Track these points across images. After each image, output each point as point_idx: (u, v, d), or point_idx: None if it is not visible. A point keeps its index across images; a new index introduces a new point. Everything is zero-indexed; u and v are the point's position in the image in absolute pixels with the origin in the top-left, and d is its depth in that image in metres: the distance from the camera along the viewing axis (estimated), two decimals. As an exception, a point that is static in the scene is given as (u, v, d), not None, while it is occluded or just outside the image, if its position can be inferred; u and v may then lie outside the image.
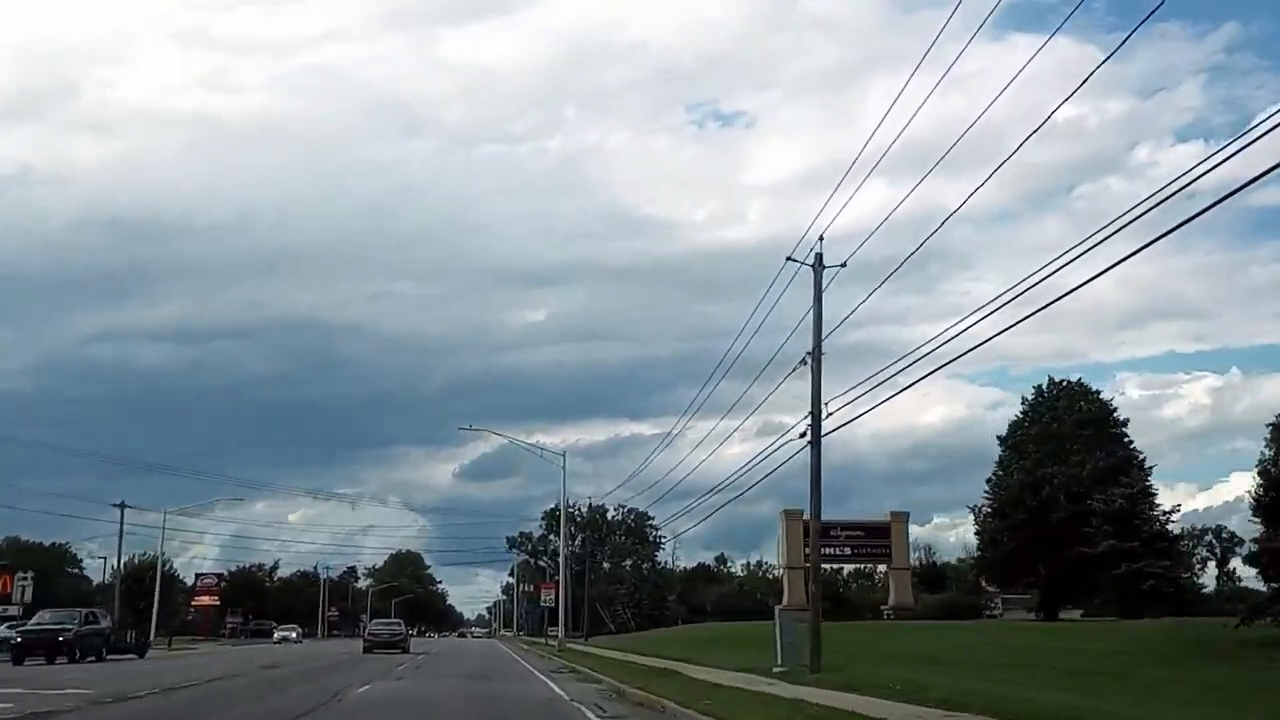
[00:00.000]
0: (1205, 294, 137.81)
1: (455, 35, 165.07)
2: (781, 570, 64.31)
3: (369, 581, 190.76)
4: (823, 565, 79.60)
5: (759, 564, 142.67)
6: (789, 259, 26.38)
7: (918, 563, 68.55)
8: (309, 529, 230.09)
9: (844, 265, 25.74)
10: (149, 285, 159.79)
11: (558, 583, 75.87)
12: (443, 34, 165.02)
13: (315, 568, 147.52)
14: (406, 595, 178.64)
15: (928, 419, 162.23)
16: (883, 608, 63.34)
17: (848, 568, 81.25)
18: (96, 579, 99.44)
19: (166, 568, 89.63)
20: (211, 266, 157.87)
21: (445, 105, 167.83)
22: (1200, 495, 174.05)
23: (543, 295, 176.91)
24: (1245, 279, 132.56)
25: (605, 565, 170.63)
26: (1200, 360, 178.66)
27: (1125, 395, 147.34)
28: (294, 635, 70.89)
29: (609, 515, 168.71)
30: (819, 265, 26.03)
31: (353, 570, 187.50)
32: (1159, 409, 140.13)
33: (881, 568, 67.78)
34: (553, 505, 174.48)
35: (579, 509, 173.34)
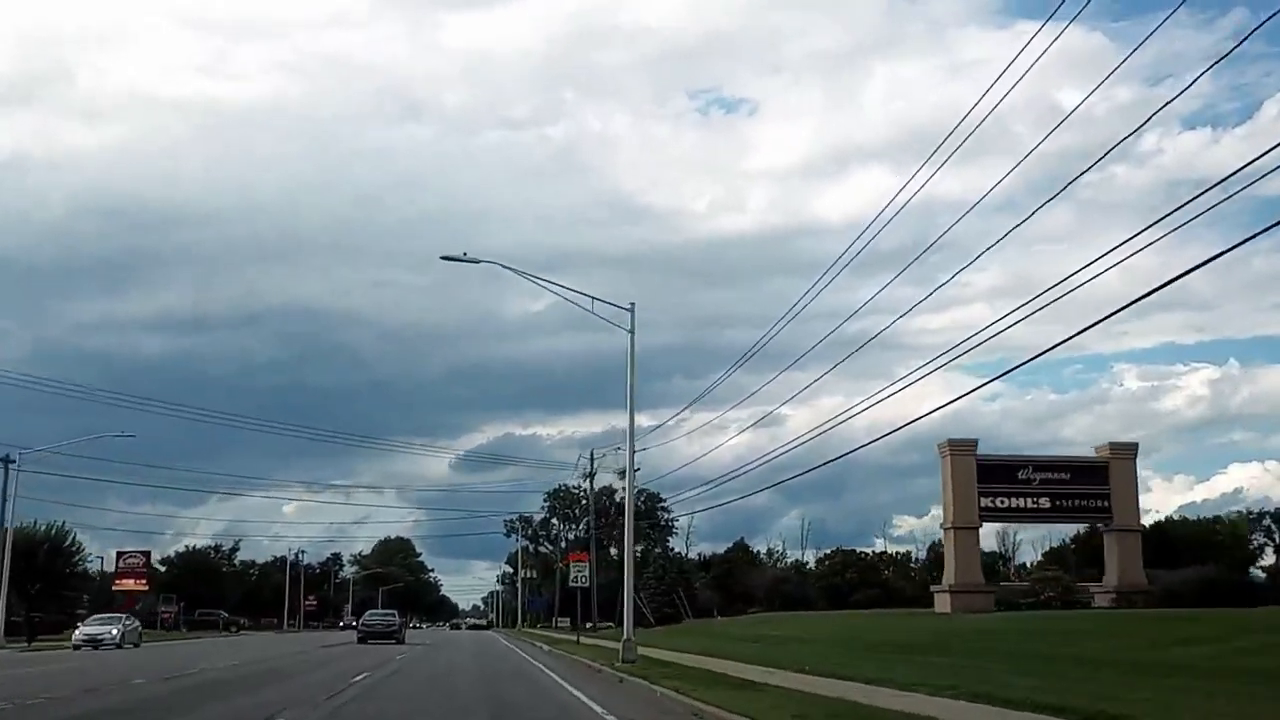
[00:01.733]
0: (1207, 285, 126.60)
1: (455, 19, 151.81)
2: (945, 530, 40.86)
3: (355, 568, 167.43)
4: (1006, 522, 55.75)
5: (769, 551, 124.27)
6: None
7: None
8: (303, 519, 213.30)
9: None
10: (146, 273, 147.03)
11: (589, 550, 52.92)
12: (443, 18, 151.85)
13: (291, 551, 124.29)
14: (395, 584, 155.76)
15: (925, 409, 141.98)
16: (1092, 588, 40.46)
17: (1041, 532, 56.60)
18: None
19: (68, 541, 66.57)
20: (209, 254, 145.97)
21: (445, 90, 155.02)
22: (1198, 487, 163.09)
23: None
24: (1247, 270, 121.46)
25: (613, 550, 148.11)
26: (1199, 352, 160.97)
27: (1123, 386, 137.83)
28: (112, 633, 43.81)
29: (616, 497, 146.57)
30: None
31: (337, 557, 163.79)
32: (1157, 400, 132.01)
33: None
34: (557, 485, 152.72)
35: (583, 490, 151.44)
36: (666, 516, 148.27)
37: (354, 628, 62.94)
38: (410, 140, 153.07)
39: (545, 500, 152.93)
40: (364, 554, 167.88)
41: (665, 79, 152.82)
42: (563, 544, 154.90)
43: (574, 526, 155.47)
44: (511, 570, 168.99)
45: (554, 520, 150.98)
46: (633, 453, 29.47)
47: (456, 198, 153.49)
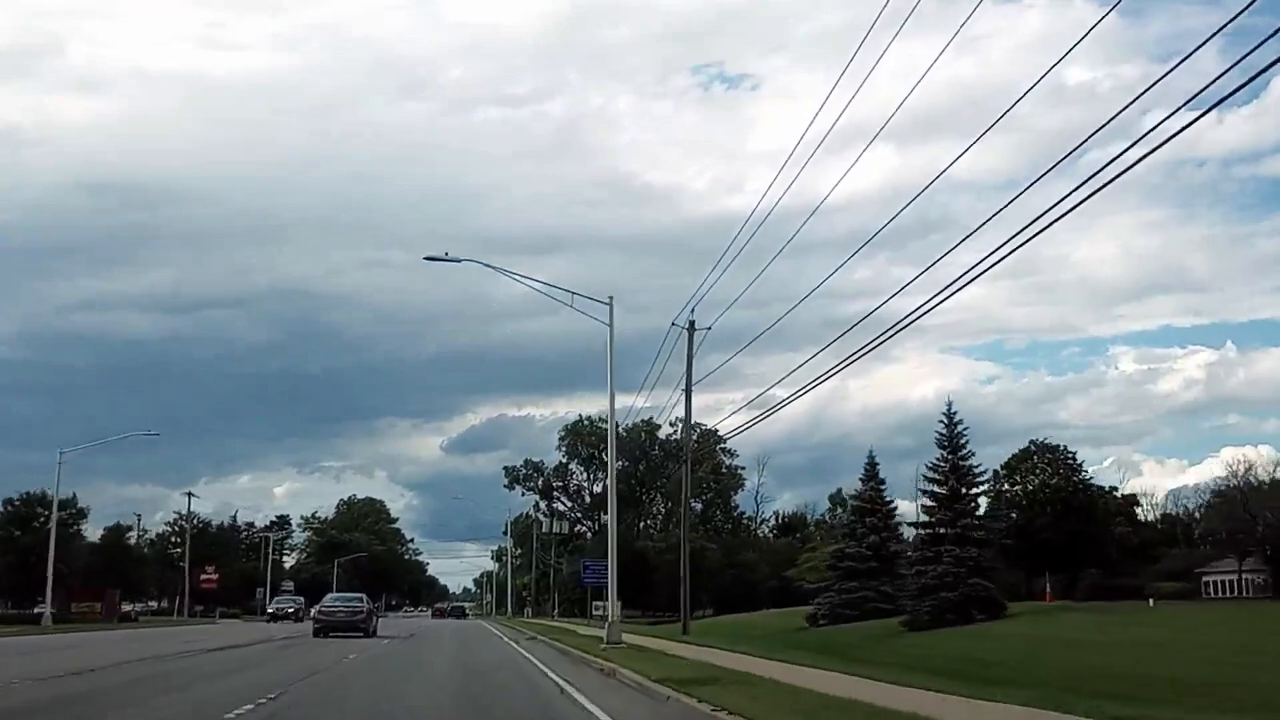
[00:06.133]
0: (1208, 267, 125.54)
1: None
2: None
3: (307, 536, 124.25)
4: None
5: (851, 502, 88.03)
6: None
7: None
8: (292, 501, 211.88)
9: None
10: (137, 251, 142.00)
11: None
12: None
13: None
14: (359, 554, 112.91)
15: (920, 393, 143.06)
16: None
17: None
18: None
19: None
20: (201, 232, 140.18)
21: (445, 66, 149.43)
22: (1190, 470, 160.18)
23: (539, 264, 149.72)
24: (1249, 251, 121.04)
25: (660, 509, 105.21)
26: (1196, 334, 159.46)
27: (1119, 370, 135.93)
28: None
29: (661, 435, 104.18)
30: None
31: (284, 519, 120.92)
32: (1153, 383, 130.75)
33: None
34: (578, 416, 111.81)
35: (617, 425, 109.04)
36: (730, 463, 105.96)
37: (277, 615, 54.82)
38: (407, 116, 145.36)
39: (562, 438, 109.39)
40: (319, 516, 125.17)
41: (668, 56, 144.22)
42: (586, 498, 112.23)
43: (603, 475, 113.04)
44: (509, 541, 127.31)
45: (573, 466, 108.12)
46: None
47: (453, 176, 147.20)
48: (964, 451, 30.43)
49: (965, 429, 30.60)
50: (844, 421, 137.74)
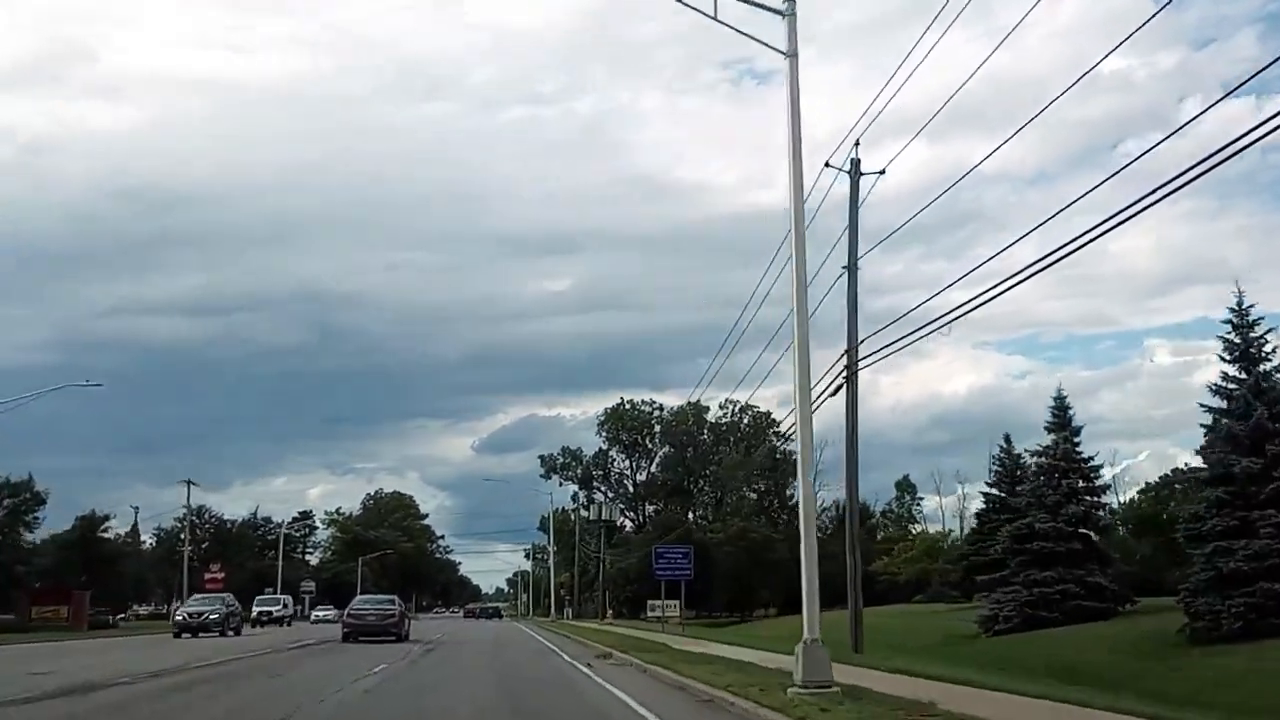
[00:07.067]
0: (1244, 257, 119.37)
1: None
2: None
3: (330, 533, 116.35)
4: None
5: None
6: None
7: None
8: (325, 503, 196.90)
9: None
10: (164, 256, 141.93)
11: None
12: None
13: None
14: (386, 551, 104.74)
15: (952, 388, 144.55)
16: None
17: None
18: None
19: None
20: (227, 236, 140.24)
21: (470, 66, 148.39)
22: None
23: (565, 263, 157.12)
24: None
25: (709, 498, 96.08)
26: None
27: (1154, 362, 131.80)
28: None
29: (710, 418, 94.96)
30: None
31: (306, 515, 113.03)
32: (1189, 376, 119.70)
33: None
34: (619, 400, 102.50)
35: (659, 407, 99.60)
36: (784, 448, 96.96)
37: (190, 626, 37.24)
38: (432, 116, 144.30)
39: (602, 423, 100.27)
40: (343, 512, 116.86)
41: (696, 51, 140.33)
42: (629, 487, 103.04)
43: (646, 463, 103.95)
44: (544, 538, 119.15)
45: (614, 454, 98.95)
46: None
47: (479, 176, 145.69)
48: (1266, 366, 20.78)
49: (1269, 330, 21.12)
50: (875, 418, 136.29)
